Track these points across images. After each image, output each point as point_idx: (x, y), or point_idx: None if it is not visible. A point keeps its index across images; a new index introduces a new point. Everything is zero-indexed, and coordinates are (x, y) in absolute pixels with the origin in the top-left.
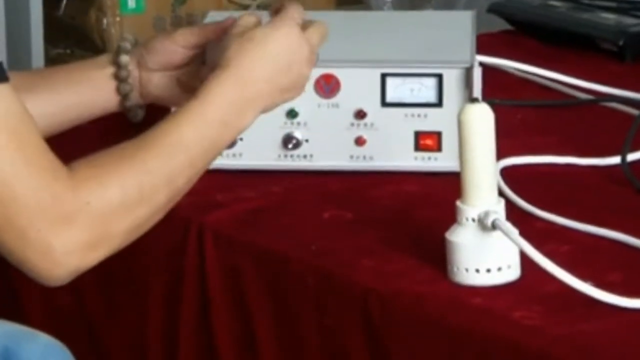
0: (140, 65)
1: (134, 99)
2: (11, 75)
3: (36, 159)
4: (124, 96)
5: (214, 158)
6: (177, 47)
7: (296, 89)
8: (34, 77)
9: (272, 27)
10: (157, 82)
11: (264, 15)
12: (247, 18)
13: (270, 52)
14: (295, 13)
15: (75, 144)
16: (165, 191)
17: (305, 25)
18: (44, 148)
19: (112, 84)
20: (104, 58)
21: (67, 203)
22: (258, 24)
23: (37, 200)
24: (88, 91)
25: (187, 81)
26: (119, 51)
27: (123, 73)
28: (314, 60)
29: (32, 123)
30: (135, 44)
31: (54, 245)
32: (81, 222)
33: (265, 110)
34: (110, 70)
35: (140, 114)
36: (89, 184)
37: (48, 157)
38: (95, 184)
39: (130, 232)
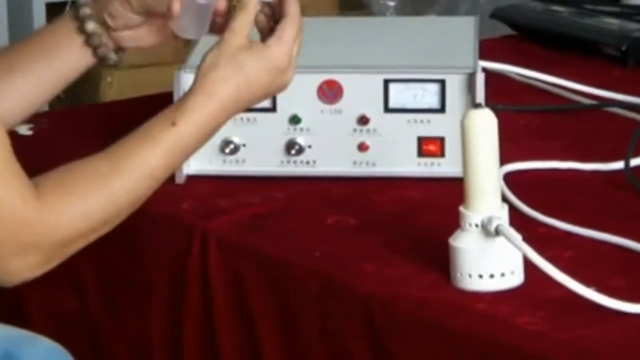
0: (105, 26)
1: (113, 55)
2: None
3: (6, 183)
4: (101, 58)
5: (174, 169)
6: (132, 10)
7: (276, 92)
8: (9, 59)
9: (248, 48)
10: (128, 36)
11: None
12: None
13: (253, 71)
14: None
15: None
16: (127, 213)
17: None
18: (14, 169)
19: (87, 51)
20: (67, 26)
21: (34, 229)
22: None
23: (5, 227)
24: (65, 62)
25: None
26: (81, 18)
27: (95, 40)
28: (292, 69)
29: (3, 144)
30: (94, 2)
31: (9, 265)
32: (44, 248)
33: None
34: (80, 38)
35: (122, 59)
36: (57, 211)
37: (18, 179)
38: (63, 213)
39: (82, 246)
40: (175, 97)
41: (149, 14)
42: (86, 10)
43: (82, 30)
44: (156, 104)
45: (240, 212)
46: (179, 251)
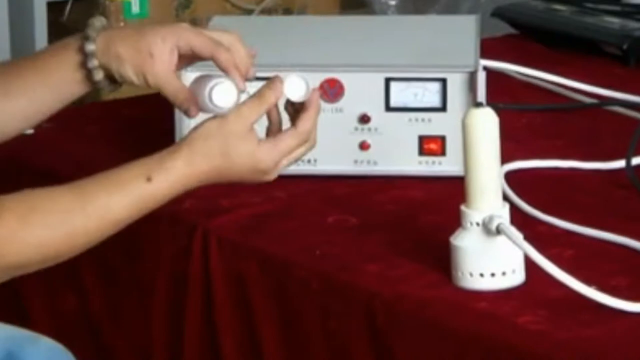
0: (106, 67)
1: (106, 82)
2: None
3: None
4: (95, 83)
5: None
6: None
7: (253, 183)
8: (8, 77)
9: (243, 139)
10: (128, 65)
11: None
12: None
13: (234, 167)
14: (275, 96)
15: (78, 144)
16: (81, 250)
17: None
18: None
19: (82, 73)
20: (71, 44)
21: None
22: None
23: None
24: (61, 84)
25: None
26: (86, 38)
27: (91, 63)
28: (275, 173)
29: None
30: (104, 28)
31: None
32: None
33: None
34: (78, 58)
35: (114, 87)
36: (10, 235)
37: None
38: (17, 238)
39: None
40: None
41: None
42: (92, 33)
43: (82, 49)
44: (157, 103)
45: (242, 211)
46: (180, 250)
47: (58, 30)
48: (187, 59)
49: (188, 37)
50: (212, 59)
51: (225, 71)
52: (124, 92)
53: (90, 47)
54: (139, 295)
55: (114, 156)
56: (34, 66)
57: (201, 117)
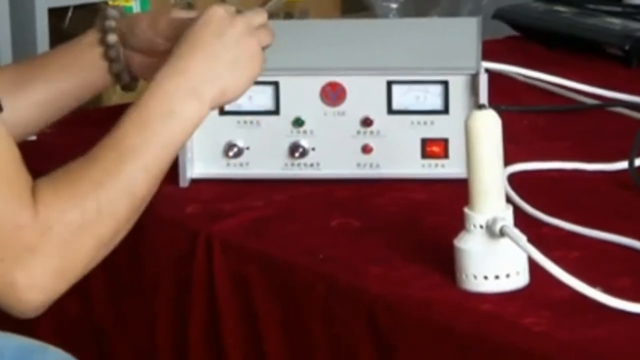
0: (123, 43)
1: (127, 76)
2: (8, 68)
3: (6, 189)
4: (116, 75)
5: (169, 158)
6: (157, 35)
7: (248, 64)
8: (29, 68)
9: (202, 13)
10: (140, 62)
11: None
12: (213, 10)
13: (201, 37)
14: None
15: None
16: (124, 203)
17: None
18: (15, 173)
19: (104, 65)
20: (92, 37)
21: (30, 232)
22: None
23: (1, 231)
24: (81, 75)
25: None
26: (105, 30)
27: (112, 53)
28: (253, 31)
29: (8, 148)
30: (122, 17)
31: (17, 279)
32: (45, 250)
33: (224, 96)
34: (100, 50)
35: (135, 85)
36: (49, 209)
37: (17, 183)
38: (55, 208)
39: (95, 251)
40: None
41: (170, 47)
42: (111, 23)
43: (103, 41)
44: None
45: (245, 215)
46: (183, 254)
47: (59, 37)
48: None
49: None
50: None
51: None
52: (127, 97)
53: (109, 23)
54: (143, 300)
55: None
56: (54, 55)
57: None
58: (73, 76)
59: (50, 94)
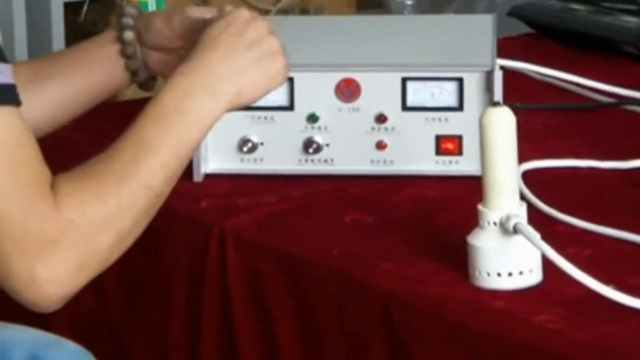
0: (140, 41)
1: (144, 73)
2: (24, 64)
3: (26, 181)
4: (133, 72)
5: (187, 155)
6: (171, 32)
7: (269, 63)
8: (44, 66)
9: (225, 14)
10: (157, 59)
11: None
12: (238, 12)
13: (222, 35)
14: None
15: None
16: (143, 198)
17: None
18: (36, 167)
19: (120, 62)
20: (109, 35)
21: (52, 224)
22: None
23: (22, 223)
24: (99, 72)
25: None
26: (122, 27)
27: (129, 49)
28: (275, 32)
29: (29, 142)
30: (139, 15)
31: (38, 273)
32: (66, 243)
33: (243, 95)
34: (116, 47)
35: (152, 84)
36: (71, 201)
37: (38, 177)
38: (76, 201)
39: (115, 246)
40: None
41: (185, 44)
42: (128, 20)
43: (120, 39)
44: None
45: (258, 210)
46: (197, 250)
47: (75, 31)
48: None
49: None
50: None
51: None
52: (143, 93)
53: (126, 20)
54: (157, 296)
55: None
56: (71, 52)
57: None
58: (89, 74)
59: (65, 92)
